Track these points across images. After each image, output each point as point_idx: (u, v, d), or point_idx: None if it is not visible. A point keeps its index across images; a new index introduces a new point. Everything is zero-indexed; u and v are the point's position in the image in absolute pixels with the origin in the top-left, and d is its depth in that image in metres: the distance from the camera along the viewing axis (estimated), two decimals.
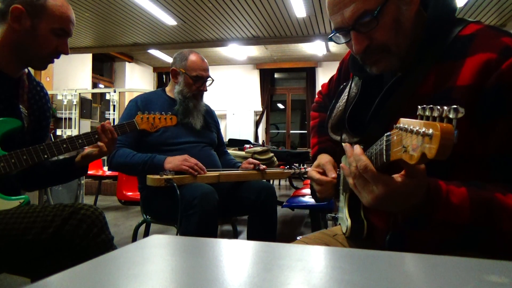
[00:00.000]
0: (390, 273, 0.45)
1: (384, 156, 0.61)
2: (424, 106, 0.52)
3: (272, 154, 3.08)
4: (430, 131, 0.48)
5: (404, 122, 0.55)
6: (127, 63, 9.14)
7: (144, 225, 2.11)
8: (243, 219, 2.86)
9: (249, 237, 1.92)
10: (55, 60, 1.25)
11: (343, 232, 0.96)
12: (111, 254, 0.50)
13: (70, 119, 6.51)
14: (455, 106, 0.48)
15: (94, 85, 8.49)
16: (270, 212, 1.90)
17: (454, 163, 0.70)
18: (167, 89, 2.05)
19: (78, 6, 5.42)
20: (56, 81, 6.85)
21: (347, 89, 0.96)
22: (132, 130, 1.44)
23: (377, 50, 0.79)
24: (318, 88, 8.05)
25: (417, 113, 0.53)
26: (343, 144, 0.73)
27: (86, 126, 6.70)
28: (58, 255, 1.01)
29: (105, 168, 4.75)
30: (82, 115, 6.64)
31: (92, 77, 8.27)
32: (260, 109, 9.46)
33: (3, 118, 1.15)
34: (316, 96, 1.27)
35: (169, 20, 6.03)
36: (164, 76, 10.40)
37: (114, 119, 6.48)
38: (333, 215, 1.06)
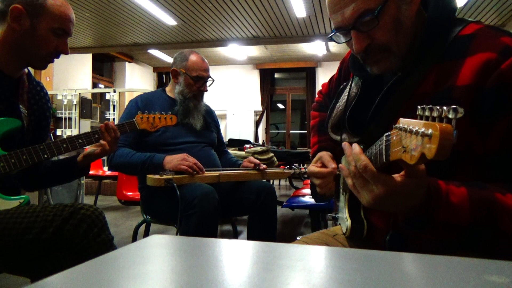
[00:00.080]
0: (390, 273, 0.45)
1: (384, 156, 0.61)
2: (424, 106, 0.52)
3: (272, 154, 3.08)
4: (430, 131, 0.48)
5: (403, 122, 0.55)
6: (127, 63, 9.14)
7: (144, 225, 2.11)
8: (243, 219, 2.86)
9: (249, 237, 1.92)
10: (55, 60, 1.25)
11: (343, 232, 0.96)
12: (111, 254, 0.50)
13: (70, 119, 6.51)
14: (454, 106, 0.48)
15: (94, 85, 8.49)
16: (270, 212, 1.90)
17: (454, 163, 0.70)
18: (167, 89, 2.05)
19: (78, 6, 5.42)
20: (56, 81, 6.85)
21: (347, 89, 0.96)
22: (132, 130, 1.44)
23: (378, 49, 0.79)
24: (318, 88, 8.07)
25: (417, 113, 0.53)
26: (342, 143, 0.73)
27: (86, 126, 6.70)
28: (58, 255, 1.01)
29: (105, 168, 4.75)
30: (82, 115, 6.64)
31: (92, 77, 8.27)
32: (260, 109, 9.46)
33: (3, 118, 1.15)
34: (317, 95, 1.27)
35: (169, 20, 6.03)
36: (164, 76, 10.40)
37: (114, 119, 6.48)
38: (333, 215, 1.06)
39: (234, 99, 9.48)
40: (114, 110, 6.59)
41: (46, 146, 1.18)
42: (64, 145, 1.23)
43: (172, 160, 1.73)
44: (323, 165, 0.97)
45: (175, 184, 1.63)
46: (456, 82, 0.73)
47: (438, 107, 0.50)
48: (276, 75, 9.96)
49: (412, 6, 0.78)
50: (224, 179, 1.82)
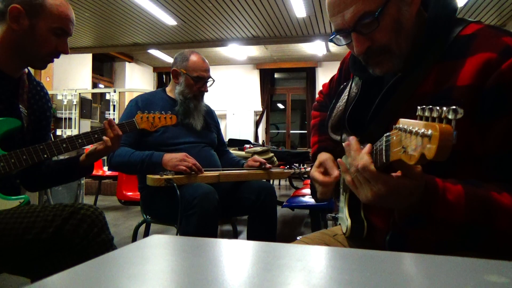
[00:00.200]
0: (390, 273, 0.45)
1: (384, 156, 0.61)
2: (424, 106, 0.52)
3: (272, 154, 3.08)
4: (429, 132, 0.48)
5: (403, 122, 0.55)
6: (127, 63, 9.14)
7: (144, 225, 2.11)
8: (243, 219, 2.86)
9: (249, 237, 1.92)
10: (55, 60, 1.25)
11: (343, 232, 0.96)
12: (111, 254, 0.50)
13: (70, 119, 6.51)
14: (454, 107, 0.48)
15: (94, 85, 8.49)
16: (270, 212, 1.90)
17: (453, 163, 0.71)
18: (168, 89, 2.05)
19: (78, 6, 5.42)
20: (56, 81, 6.85)
21: (347, 89, 0.96)
22: (132, 129, 1.44)
23: (379, 51, 0.79)
24: (318, 88, 8.05)
25: (417, 114, 0.53)
26: (344, 143, 0.73)
27: (86, 126, 6.70)
28: (58, 255, 1.01)
29: (105, 168, 4.75)
30: (82, 115, 6.64)
31: (92, 77, 8.27)
32: (260, 109, 9.46)
33: (2, 118, 1.15)
34: (317, 95, 1.27)
35: (169, 20, 6.03)
36: (164, 76, 10.40)
37: (114, 119, 6.46)
38: (333, 215, 1.06)
39: (234, 99, 9.48)
40: (114, 110, 6.60)
41: (46, 146, 1.18)
42: (64, 145, 1.22)
43: (171, 159, 1.73)
44: (326, 170, 0.97)
45: (175, 184, 1.63)
46: (456, 82, 0.73)
47: (438, 108, 0.50)
48: (276, 75, 9.96)
49: (412, 7, 0.78)
50: (224, 179, 1.82)
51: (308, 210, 2.55)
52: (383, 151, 0.61)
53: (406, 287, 0.40)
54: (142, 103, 1.91)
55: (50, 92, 5.77)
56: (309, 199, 2.31)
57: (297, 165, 2.13)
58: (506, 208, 0.65)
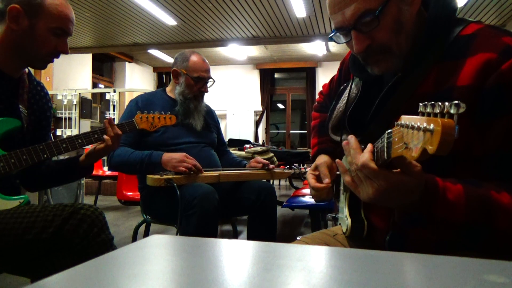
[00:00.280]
0: (390, 273, 0.45)
1: (385, 153, 0.61)
2: (425, 103, 0.52)
3: (272, 154, 3.09)
4: (431, 126, 0.48)
5: (405, 119, 0.55)
6: (127, 63, 9.14)
7: (144, 225, 2.11)
8: (243, 219, 2.86)
9: (249, 237, 1.92)
10: (55, 60, 1.25)
11: (343, 232, 0.96)
12: (111, 254, 0.50)
13: (70, 119, 6.51)
14: (456, 102, 0.48)
15: (94, 85, 8.49)
16: (270, 212, 1.90)
17: (452, 162, 0.71)
18: (168, 89, 2.05)
19: (78, 6, 5.42)
20: (56, 81, 6.85)
21: (347, 90, 0.96)
22: (131, 129, 1.44)
23: (378, 50, 0.79)
24: (318, 88, 8.05)
25: (419, 110, 0.53)
26: (343, 143, 0.73)
27: (86, 126, 6.71)
28: (58, 255, 1.01)
29: (105, 168, 4.75)
30: (82, 115, 6.65)
31: (92, 77, 8.27)
32: (260, 109, 9.46)
33: (2, 118, 1.15)
34: (317, 96, 1.27)
35: (169, 20, 6.03)
36: (164, 76, 10.40)
37: (114, 119, 6.46)
38: (333, 215, 1.06)
39: (234, 99, 9.47)
40: (114, 110, 6.60)
41: (46, 146, 1.18)
42: (64, 145, 1.22)
43: (171, 159, 1.73)
44: (320, 175, 0.98)
45: (175, 184, 1.63)
46: (456, 82, 0.73)
47: (440, 103, 0.50)
48: (276, 75, 9.96)
49: (413, 7, 0.78)
50: (224, 179, 1.81)
51: (308, 210, 2.55)
52: (385, 148, 0.61)
53: (406, 287, 0.40)
54: (142, 103, 1.91)
55: (50, 92, 5.77)
56: (309, 199, 2.31)
57: (297, 165, 2.13)
58: (506, 207, 0.66)
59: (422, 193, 0.65)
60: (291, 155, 4.28)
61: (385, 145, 0.61)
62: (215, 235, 1.69)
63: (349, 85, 0.96)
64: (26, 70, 1.29)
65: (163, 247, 0.55)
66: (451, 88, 0.73)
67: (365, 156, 0.65)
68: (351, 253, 0.56)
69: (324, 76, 9.04)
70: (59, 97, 6.48)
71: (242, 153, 3.09)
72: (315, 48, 7.90)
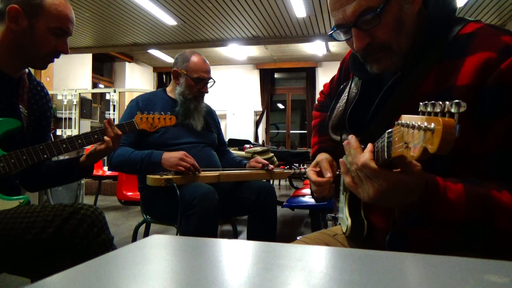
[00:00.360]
0: (390, 273, 0.45)
1: (386, 152, 0.61)
2: (426, 102, 0.52)
3: (272, 154, 3.09)
4: (432, 125, 0.48)
5: (405, 118, 0.55)
6: (127, 63, 9.14)
7: (144, 225, 2.11)
8: (243, 219, 2.86)
9: (249, 237, 1.92)
10: (55, 59, 1.25)
11: (343, 232, 0.96)
12: (111, 254, 0.50)
13: (70, 119, 6.51)
14: (457, 101, 0.48)
15: (94, 85, 8.49)
16: (270, 212, 1.90)
17: (452, 161, 0.71)
18: (168, 89, 2.05)
19: (78, 6, 5.42)
20: (56, 81, 6.85)
21: (347, 90, 0.96)
22: (131, 130, 1.44)
23: (378, 48, 0.79)
24: (318, 88, 8.04)
25: (419, 109, 0.53)
26: (344, 143, 0.73)
27: (86, 126, 6.71)
28: (58, 255, 1.01)
29: (105, 168, 4.75)
30: (82, 115, 6.65)
31: (92, 77, 8.27)
32: (260, 109, 9.46)
33: (2, 118, 1.15)
34: (318, 95, 1.27)
35: (169, 20, 6.03)
36: (164, 76, 10.40)
37: (114, 119, 6.47)
38: (333, 215, 1.06)
39: (234, 99, 9.47)
40: (114, 110, 6.60)
41: (46, 146, 1.18)
42: (64, 145, 1.22)
43: (170, 158, 1.73)
44: (321, 171, 0.98)
45: (175, 184, 1.63)
46: (456, 82, 0.73)
47: (440, 103, 0.49)
48: (276, 75, 9.96)
49: (414, 6, 0.78)
50: (224, 179, 1.81)
51: (308, 210, 2.55)
52: (385, 147, 0.61)
53: (406, 287, 0.40)
54: (143, 103, 1.91)
55: (50, 92, 5.77)
56: (309, 199, 2.31)
57: (297, 165, 2.13)
58: (506, 206, 0.65)
59: (423, 192, 0.65)
60: (291, 155, 4.28)
61: (386, 145, 0.61)
62: (215, 235, 1.69)
63: (349, 84, 0.96)
64: (26, 70, 1.29)
65: (163, 247, 0.55)
66: (451, 87, 0.73)
67: (366, 156, 0.65)
68: (351, 253, 0.56)
69: (324, 76, 9.04)
70: (59, 97, 6.48)
71: (242, 153, 3.09)
72: (315, 48, 7.90)
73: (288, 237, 3.14)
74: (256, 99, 9.52)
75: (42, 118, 1.32)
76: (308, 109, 9.24)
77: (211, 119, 2.12)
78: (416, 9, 0.79)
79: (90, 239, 1.02)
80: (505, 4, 5.32)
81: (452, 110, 0.49)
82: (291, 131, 9.76)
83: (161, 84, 10.30)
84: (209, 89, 2.00)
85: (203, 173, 1.78)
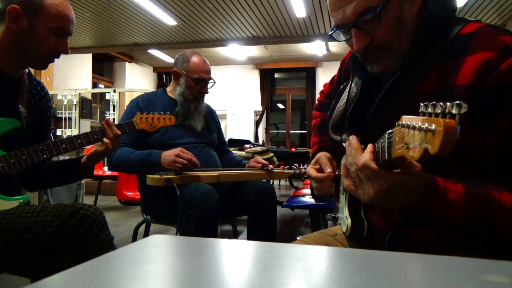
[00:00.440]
0: (390, 273, 0.45)
1: (386, 153, 0.61)
2: (427, 103, 0.52)
3: (272, 154, 3.09)
4: (433, 126, 0.48)
5: (406, 119, 0.55)
6: (127, 63, 9.14)
7: (144, 225, 2.11)
8: (243, 219, 2.86)
9: (249, 237, 1.92)
10: (55, 60, 1.25)
11: (343, 232, 0.96)
12: (111, 254, 0.50)
13: (70, 119, 6.51)
14: (458, 102, 0.48)
15: (94, 85, 8.49)
16: (270, 212, 1.90)
17: (452, 162, 0.71)
18: (168, 89, 2.05)
19: (78, 6, 5.42)
20: (56, 81, 6.85)
21: (347, 89, 0.96)
22: (131, 130, 1.44)
23: (378, 48, 0.79)
24: (318, 88, 8.03)
25: (420, 110, 0.52)
26: (345, 144, 0.73)
27: (86, 126, 6.71)
28: (58, 255, 1.01)
29: (105, 168, 4.75)
30: (82, 115, 6.64)
31: (92, 77, 8.27)
32: (260, 109, 9.46)
33: (2, 118, 1.15)
34: (318, 95, 1.27)
35: (169, 20, 6.03)
36: (164, 76, 10.40)
37: (114, 119, 6.48)
38: (333, 215, 1.06)
39: (234, 99, 9.47)
40: (114, 110, 6.60)
41: (46, 147, 1.18)
42: (64, 146, 1.22)
43: (167, 157, 1.72)
44: (320, 168, 0.97)
45: (175, 184, 1.63)
46: (456, 82, 0.73)
47: (441, 103, 0.49)
48: (276, 75, 9.96)
49: (414, 6, 0.78)
50: (224, 179, 1.81)
51: (308, 210, 2.55)
52: (385, 148, 0.61)
53: (406, 287, 0.40)
54: (143, 103, 1.91)
55: (50, 92, 5.77)
56: (309, 199, 2.31)
57: (297, 165, 2.13)
58: (506, 207, 0.65)
59: (423, 193, 0.65)
60: (291, 155, 4.29)
61: (386, 145, 0.61)
62: (215, 235, 1.69)
63: (349, 84, 0.96)
64: (26, 70, 1.29)
65: (163, 247, 0.55)
66: (451, 87, 0.73)
67: (366, 156, 0.65)
68: (351, 253, 0.56)
69: (324, 76, 9.04)
70: (59, 97, 6.48)
71: (242, 153, 3.09)
72: (315, 48, 7.90)
73: (288, 237, 3.14)
74: (256, 99, 9.52)
75: (42, 118, 1.32)
76: (308, 109, 9.24)
77: (211, 119, 2.12)
78: (415, 9, 0.79)
79: (90, 239, 1.02)
80: (505, 4, 5.32)
81: (453, 111, 0.48)
82: (291, 131, 9.76)
83: (161, 84, 10.30)
84: (209, 90, 2.00)
85: (203, 173, 1.78)
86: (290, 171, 2.08)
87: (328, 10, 0.83)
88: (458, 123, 0.48)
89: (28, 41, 1.17)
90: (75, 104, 6.49)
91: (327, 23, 6.14)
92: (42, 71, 5.68)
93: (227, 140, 3.45)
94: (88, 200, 4.81)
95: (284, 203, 2.32)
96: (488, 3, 5.29)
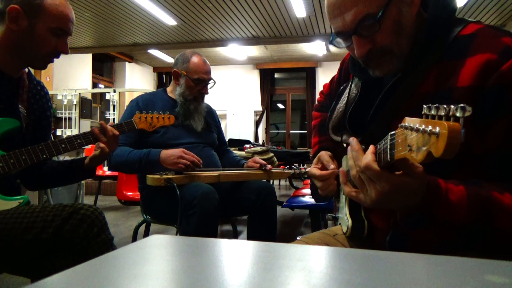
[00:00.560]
0: (390, 273, 0.45)
1: (388, 155, 0.60)
2: (430, 105, 0.51)
3: (272, 154, 3.09)
4: (437, 129, 0.48)
5: (409, 121, 0.55)
6: (127, 63, 9.14)
7: (144, 225, 2.11)
8: (243, 219, 2.86)
9: (249, 237, 1.92)
10: (55, 59, 1.25)
11: (343, 232, 0.96)
12: (111, 254, 0.50)
13: (70, 119, 6.51)
14: (462, 105, 0.48)
15: (94, 85, 8.49)
16: (270, 212, 1.90)
17: (452, 162, 0.71)
18: (169, 89, 2.05)
19: (78, 6, 5.42)
20: (56, 81, 6.85)
21: (347, 90, 0.96)
22: (130, 129, 1.44)
23: (380, 53, 0.79)
24: (318, 88, 8.02)
25: (423, 112, 0.52)
26: (345, 145, 0.73)
27: (86, 126, 6.70)
28: (58, 255, 1.01)
29: (105, 168, 4.75)
30: (82, 115, 6.64)
31: (92, 77, 8.27)
32: (260, 109, 9.46)
33: (1, 118, 1.15)
34: (318, 96, 1.27)
35: (169, 20, 6.03)
36: (164, 76, 10.40)
37: (114, 119, 6.49)
38: (333, 215, 1.05)
39: (234, 99, 9.47)
40: (114, 110, 6.59)
41: (45, 146, 1.18)
42: (63, 145, 1.22)
43: (169, 156, 1.72)
44: (323, 166, 0.97)
45: (175, 184, 1.63)
46: (456, 83, 0.73)
47: (445, 106, 0.49)
48: (276, 75, 9.96)
49: (413, 8, 0.78)
50: (224, 179, 1.81)
51: (308, 210, 2.55)
52: (388, 150, 0.61)
53: (406, 287, 0.40)
54: (143, 103, 1.91)
55: (50, 92, 5.76)
56: (309, 199, 2.31)
57: (297, 165, 2.13)
58: (507, 207, 0.66)
59: (424, 194, 0.65)
60: (291, 155, 4.28)
61: (388, 147, 0.61)
62: (215, 235, 1.69)
63: (349, 85, 0.96)
64: (26, 69, 1.29)
65: (163, 247, 0.55)
66: (451, 89, 0.73)
67: (368, 157, 0.65)
68: (351, 253, 0.56)
69: (324, 76, 9.04)
70: (59, 97, 6.47)
71: (242, 153, 3.09)
72: (315, 48, 7.90)
73: (288, 237, 3.14)
74: (256, 99, 9.52)
75: (42, 118, 1.32)
76: (308, 109, 9.24)
77: (212, 119, 2.11)
78: (414, 11, 0.79)
79: (90, 239, 1.02)
80: (505, 4, 5.32)
81: (457, 114, 0.48)
82: (291, 131, 9.76)
83: (161, 84, 10.30)
84: (209, 90, 2.00)
85: (203, 173, 1.78)
86: (290, 171, 2.08)
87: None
88: (462, 126, 0.48)
89: (28, 41, 1.16)
90: (75, 104, 6.49)
91: (327, 23, 6.14)
92: (42, 71, 5.68)
93: (227, 140, 3.46)
94: (88, 200, 4.81)
95: (284, 203, 2.33)
96: (488, 3, 5.29)
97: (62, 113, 6.50)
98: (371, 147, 0.67)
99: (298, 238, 1.11)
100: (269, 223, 1.89)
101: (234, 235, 2.27)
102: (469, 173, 0.73)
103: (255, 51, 8.50)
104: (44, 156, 1.18)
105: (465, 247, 0.73)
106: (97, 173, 4.55)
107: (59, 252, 1.01)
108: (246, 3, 5.38)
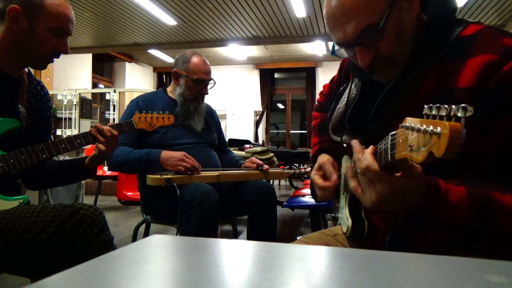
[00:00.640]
0: (390, 273, 0.45)
1: (389, 155, 0.60)
2: (431, 105, 0.51)
3: (272, 154, 3.09)
4: (438, 129, 0.48)
5: (410, 121, 0.54)
6: (127, 63, 9.14)
7: (144, 225, 2.11)
8: (243, 219, 2.86)
9: (249, 237, 1.92)
10: (55, 59, 1.25)
11: (343, 232, 0.96)
12: (111, 254, 0.50)
13: (70, 119, 6.51)
14: (463, 105, 0.48)
15: (94, 85, 8.49)
16: (270, 212, 1.90)
17: (452, 162, 0.71)
18: (169, 89, 2.05)
19: (78, 6, 5.42)
20: (56, 81, 6.85)
21: (347, 91, 0.96)
22: (130, 129, 1.43)
23: (383, 61, 0.79)
24: (318, 88, 8.02)
25: (424, 112, 0.52)
26: (345, 145, 0.73)
27: (86, 126, 6.70)
28: (58, 255, 1.01)
29: (105, 168, 4.75)
30: (82, 115, 6.64)
31: (92, 77, 8.27)
32: (260, 109, 9.46)
33: (1, 118, 1.15)
34: (318, 96, 1.27)
35: (169, 20, 6.03)
36: (164, 76, 10.40)
37: (114, 119, 6.48)
38: (333, 215, 1.05)
39: (234, 99, 9.48)
40: (114, 110, 6.59)
41: (45, 146, 1.18)
42: (63, 145, 1.22)
43: (170, 158, 1.72)
44: (324, 174, 0.97)
45: (175, 184, 1.63)
46: (457, 84, 0.73)
47: (446, 106, 0.49)
48: (276, 75, 9.96)
49: (412, 12, 0.78)
50: (224, 179, 1.81)
51: (308, 210, 2.55)
52: (388, 150, 0.61)
53: (406, 287, 0.40)
54: (143, 103, 1.91)
55: (50, 92, 5.75)
56: (309, 199, 2.31)
57: (297, 165, 2.13)
58: (507, 207, 0.66)
59: (424, 194, 0.65)
60: (291, 155, 4.28)
61: (389, 147, 0.60)
62: (215, 235, 1.69)
63: (349, 85, 0.96)
64: (26, 69, 1.29)
65: (163, 247, 0.55)
66: (452, 89, 0.73)
67: (368, 158, 0.65)
68: (351, 253, 0.56)
69: (324, 76, 9.04)
70: (59, 97, 6.47)
71: (242, 153, 3.09)
72: (315, 48, 7.90)
73: (288, 237, 3.14)
74: (256, 99, 9.52)
75: (42, 118, 1.32)
76: (308, 109, 9.24)
77: (212, 119, 2.11)
78: (414, 15, 0.79)
79: (90, 239, 1.02)
80: (505, 4, 5.31)
81: (459, 114, 0.48)
82: (291, 131, 9.76)
83: (161, 84, 10.30)
84: (209, 90, 2.00)
85: (203, 173, 1.78)
86: (290, 171, 2.08)
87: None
88: (464, 126, 0.48)
89: (28, 41, 1.16)
90: (75, 104, 6.49)
91: None
92: (42, 71, 5.68)
93: (227, 140, 3.46)
94: (88, 200, 4.81)
95: (284, 203, 2.33)
96: (488, 3, 5.29)
97: (62, 113, 6.49)
98: (371, 148, 0.67)
99: (298, 238, 1.11)
100: (269, 223, 1.89)
101: (234, 235, 2.27)
102: (469, 173, 0.72)
103: (255, 51, 8.50)
104: (44, 156, 1.18)
105: (465, 247, 0.73)
106: (97, 173, 4.55)
107: (59, 252, 1.01)
108: (246, 3, 5.38)
